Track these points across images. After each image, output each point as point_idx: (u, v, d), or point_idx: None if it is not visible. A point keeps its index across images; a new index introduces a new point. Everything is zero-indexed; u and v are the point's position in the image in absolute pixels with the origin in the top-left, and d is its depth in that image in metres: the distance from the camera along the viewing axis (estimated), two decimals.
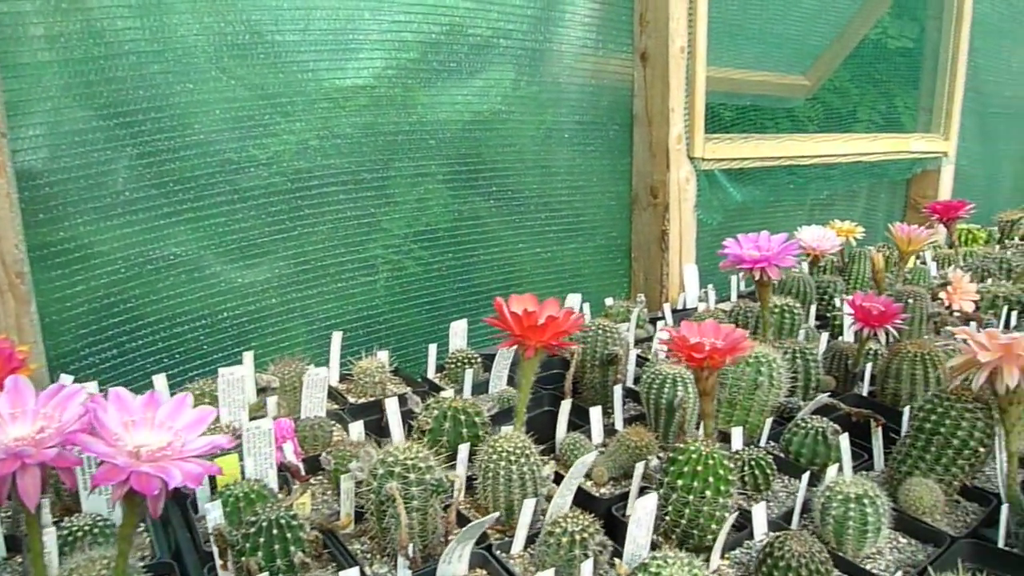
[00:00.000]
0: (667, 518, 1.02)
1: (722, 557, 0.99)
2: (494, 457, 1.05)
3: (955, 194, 3.59)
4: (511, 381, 1.57)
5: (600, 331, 1.43)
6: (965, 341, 1.05)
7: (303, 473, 1.20)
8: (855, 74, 3.49)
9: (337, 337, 1.56)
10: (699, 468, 0.99)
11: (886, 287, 1.88)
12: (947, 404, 1.08)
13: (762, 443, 1.30)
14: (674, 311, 2.08)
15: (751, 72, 3.14)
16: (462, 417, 1.20)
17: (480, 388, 1.56)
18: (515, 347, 1.24)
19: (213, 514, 0.94)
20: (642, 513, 0.88)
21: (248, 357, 1.44)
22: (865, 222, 3.31)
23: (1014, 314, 2.00)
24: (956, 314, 1.98)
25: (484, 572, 0.96)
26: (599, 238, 2.19)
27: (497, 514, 0.97)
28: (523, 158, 1.96)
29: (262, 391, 1.45)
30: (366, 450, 0.99)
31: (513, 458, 1.05)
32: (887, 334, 1.48)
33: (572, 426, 1.36)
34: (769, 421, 1.31)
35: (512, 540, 0.99)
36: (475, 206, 1.89)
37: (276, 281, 1.66)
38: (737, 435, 1.25)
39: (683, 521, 1.00)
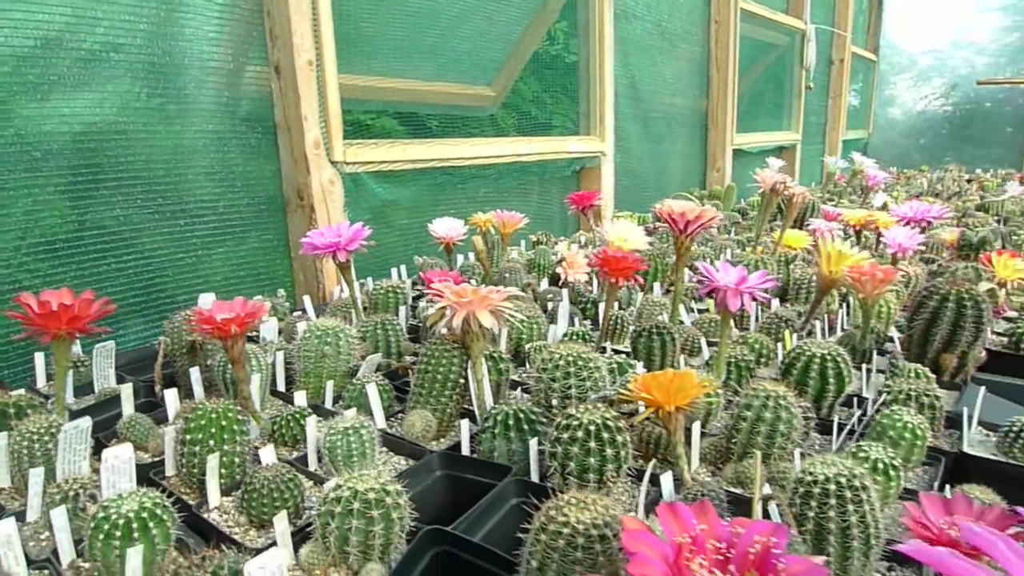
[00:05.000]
0: (183, 471, 1.17)
1: (226, 495, 1.16)
2: (17, 438, 1.14)
3: (625, 187, 4.20)
4: (121, 379, 1.64)
5: (184, 321, 1.55)
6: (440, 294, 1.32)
7: None
8: (546, 84, 3.97)
9: None
10: (203, 422, 1.16)
11: (491, 266, 2.20)
12: (434, 347, 1.35)
13: (327, 403, 1.50)
14: (322, 304, 2.26)
15: (438, 84, 3.46)
16: (12, 411, 1.26)
17: (86, 389, 1.61)
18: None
19: None
20: (115, 461, 1.01)
21: None
22: (541, 213, 3.78)
23: None
24: (572, 283, 2.37)
25: None
26: (252, 240, 2.31)
27: None
28: (151, 167, 2.02)
29: None
30: None
31: (36, 437, 1.14)
32: None
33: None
34: (331, 384, 1.51)
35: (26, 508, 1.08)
36: (99, 216, 1.92)
37: None
38: (300, 397, 1.43)
39: (196, 471, 1.16)
